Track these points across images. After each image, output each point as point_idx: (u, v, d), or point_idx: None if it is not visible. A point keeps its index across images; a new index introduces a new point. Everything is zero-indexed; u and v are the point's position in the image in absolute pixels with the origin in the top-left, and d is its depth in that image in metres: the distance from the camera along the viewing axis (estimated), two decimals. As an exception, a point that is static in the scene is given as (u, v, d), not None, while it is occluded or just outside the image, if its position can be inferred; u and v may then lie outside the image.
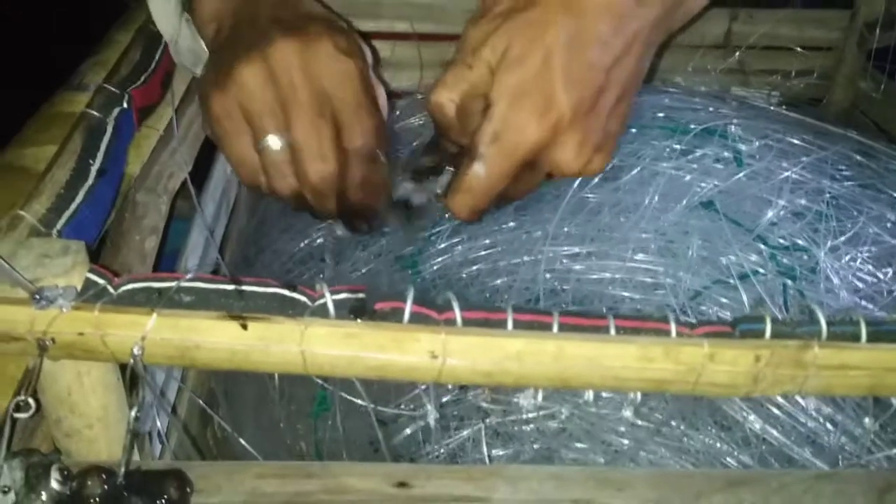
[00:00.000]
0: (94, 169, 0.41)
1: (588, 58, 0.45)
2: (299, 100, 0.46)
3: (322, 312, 0.33)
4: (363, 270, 0.70)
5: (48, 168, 0.42)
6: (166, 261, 0.62)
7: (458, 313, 0.33)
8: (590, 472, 0.38)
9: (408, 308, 0.33)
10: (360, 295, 0.34)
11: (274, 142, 0.47)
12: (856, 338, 0.34)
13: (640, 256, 0.65)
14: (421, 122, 0.89)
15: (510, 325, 0.34)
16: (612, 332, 0.34)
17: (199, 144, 0.68)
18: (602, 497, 0.37)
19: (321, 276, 0.70)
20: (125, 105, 0.47)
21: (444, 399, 0.59)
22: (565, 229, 0.68)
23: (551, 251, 0.65)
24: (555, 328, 0.34)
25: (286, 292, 0.34)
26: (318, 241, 0.75)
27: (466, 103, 0.49)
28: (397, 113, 0.89)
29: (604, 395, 0.56)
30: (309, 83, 0.46)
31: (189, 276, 0.34)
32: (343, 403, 0.58)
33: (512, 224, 0.70)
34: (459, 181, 0.50)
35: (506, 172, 0.47)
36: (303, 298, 0.34)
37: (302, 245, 0.75)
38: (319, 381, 0.57)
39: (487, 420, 0.55)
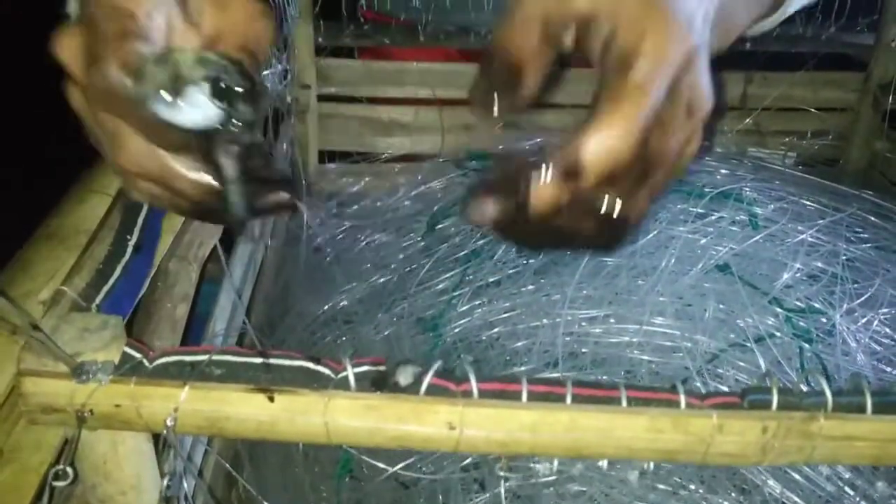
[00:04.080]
0: (130, 245, 0.43)
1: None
2: None
3: (344, 385, 0.35)
4: (386, 332, 0.72)
5: (88, 243, 0.44)
6: (196, 324, 0.64)
7: (474, 385, 0.35)
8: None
9: (427, 380, 0.35)
10: (381, 367, 0.35)
11: None
12: (861, 409, 0.35)
13: (657, 320, 0.66)
14: (443, 186, 0.91)
15: (525, 396, 0.35)
16: (624, 403, 0.35)
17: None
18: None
19: (344, 338, 0.72)
20: (160, 181, 0.49)
21: (465, 461, 0.60)
22: (584, 292, 0.70)
23: (570, 314, 0.67)
24: (568, 399, 0.35)
25: (311, 365, 0.36)
26: (343, 303, 0.77)
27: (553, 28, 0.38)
28: (419, 177, 0.92)
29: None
30: None
31: (218, 348, 0.35)
32: (366, 466, 0.59)
33: (531, 287, 0.72)
34: (599, 120, 0.35)
35: (657, 94, 0.35)
36: (326, 371, 0.35)
37: (325, 308, 0.77)
38: (343, 445, 0.58)
39: (507, 483, 0.56)
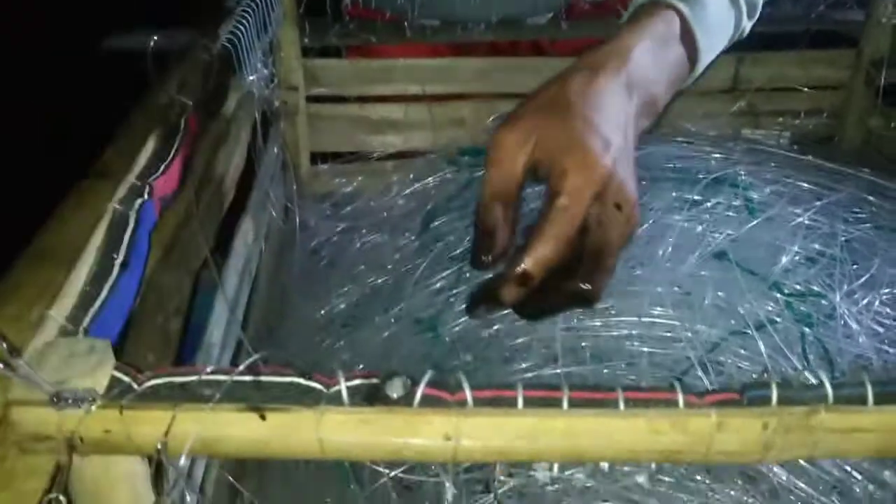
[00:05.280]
0: (117, 263, 0.43)
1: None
2: None
3: (337, 399, 0.34)
4: (385, 334, 0.72)
5: (73, 265, 0.44)
6: (192, 335, 0.64)
7: (468, 394, 0.34)
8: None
9: (420, 391, 0.34)
10: (374, 380, 0.35)
11: None
12: (862, 400, 0.34)
13: (656, 310, 0.65)
14: (437, 183, 0.91)
15: (521, 402, 0.35)
16: (622, 405, 0.34)
17: (220, 219, 0.70)
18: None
19: (342, 342, 0.71)
20: (146, 196, 0.49)
21: (467, 464, 0.59)
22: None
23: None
24: (565, 404, 0.35)
25: (302, 381, 0.35)
26: (340, 307, 0.77)
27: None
28: (412, 175, 0.92)
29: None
30: None
31: (209, 368, 0.35)
32: (369, 470, 0.59)
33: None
34: (540, 230, 0.52)
35: (577, 212, 0.51)
36: (318, 386, 0.35)
37: (322, 312, 0.76)
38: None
39: (512, 482, 0.56)
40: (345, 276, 0.80)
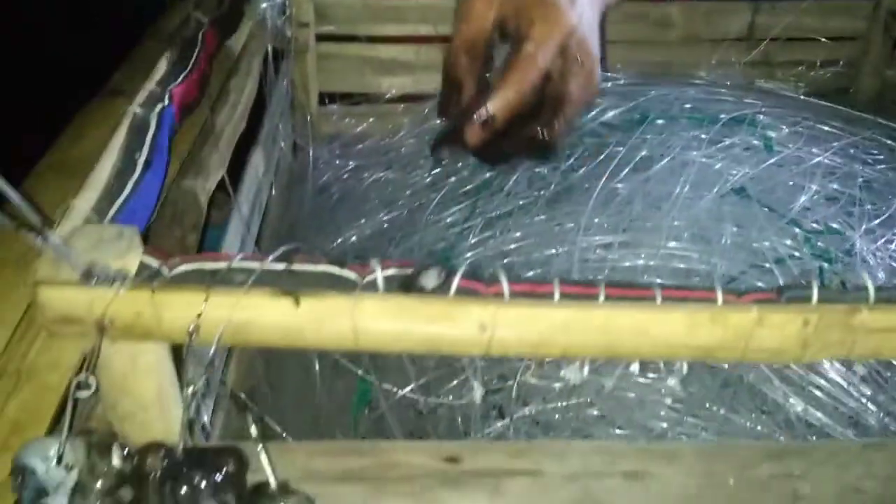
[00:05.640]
0: (140, 161, 0.42)
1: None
2: None
3: (372, 288, 0.34)
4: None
5: (96, 162, 0.43)
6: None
7: (505, 286, 0.34)
8: (638, 446, 0.38)
9: (456, 281, 0.34)
10: (409, 270, 0.34)
11: None
12: (904, 301, 0.34)
13: (673, 244, 0.65)
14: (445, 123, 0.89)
15: (557, 296, 0.34)
16: (659, 301, 0.34)
17: (233, 145, 0.69)
18: (652, 468, 0.37)
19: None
20: (166, 102, 0.48)
21: (487, 387, 0.59)
22: (596, 220, 0.69)
23: (584, 241, 0.66)
24: (601, 299, 0.34)
25: (336, 270, 0.34)
26: (352, 240, 0.76)
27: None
28: (425, 111, 0.90)
29: (641, 380, 0.57)
30: None
31: (239, 255, 0.34)
32: (383, 397, 0.59)
33: (543, 217, 0.71)
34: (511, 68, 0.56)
35: (542, 61, 0.55)
36: (352, 275, 0.34)
37: (334, 245, 0.76)
38: (359, 373, 0.58)
39: (527, 409, 0.56)
40: (356, 212, 0.79)
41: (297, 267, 0.34)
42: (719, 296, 0.34)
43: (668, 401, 0.46)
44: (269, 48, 0.83)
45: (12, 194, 0.30)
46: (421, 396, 0.56)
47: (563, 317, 0.33)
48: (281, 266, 0.34)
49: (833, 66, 0.97)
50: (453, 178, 0.77)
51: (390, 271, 0.34)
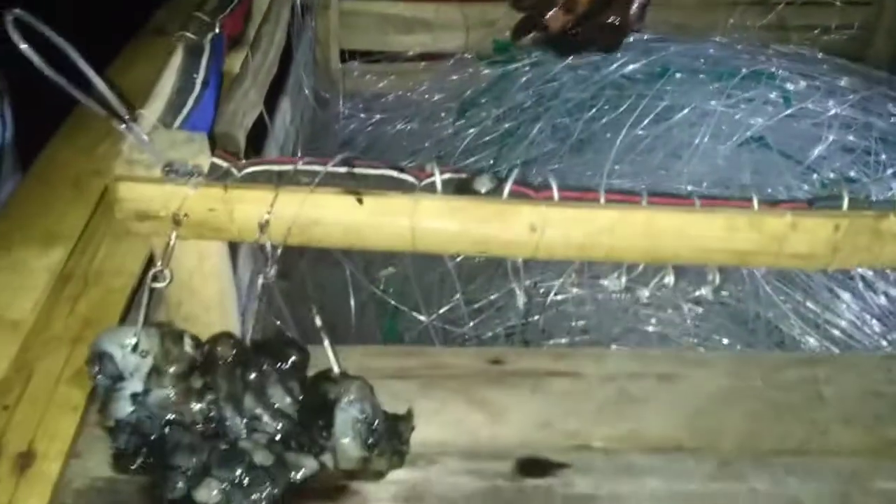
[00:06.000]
0: (198, 81, 0.44)
1: None
2: None
3: (430, 190, 0.36)
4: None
5: (156, 81, 0.45)
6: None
7: (555, 190, 0.36)
8: (671, 352, 0.40)
9: (508, 185, 0.36)
10: (464, 175, 0.36)
11: None
12: (930, 209, 0.36)
13: (690, 187, 0.67)
14: (470, 77, 0.91)
15: (602, 200, 0.36)
16: (698, 206, 0.36)
17: (266, 88, 0.71)
18: (684, 371, 0.40)
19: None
20: (217, 30, 0.49)
21: (511, 323, 0.61)
22: (618, 167, 0.71)
23: (607, 186, 0.68)
24: (644, 203, 0.36)
25: (395, 173, 0.37)
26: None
27: None
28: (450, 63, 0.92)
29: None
30: None
31: (305, 159, 0.36)
32: (410, 327, 0.61)
33: (566, 165, 0.73)
34: None
35: None
36: (411, 179, 0.36)
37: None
38: (391, 303, 0.60)
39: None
40: (381, 160, 0.81)
41: (358, 170, 0.36)
42: (755, 203, 0.36)
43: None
44: (290, 5, 0.84)
45: (102, 87, 0.32)
46: (449, 326, 0.58)
47: (608, 218, 0.36)
48: (343, 169, 0.36)
49: (847, 31, 0.98)
50: (476, 129, 0.79)
51: (447, 175, 0.36)
